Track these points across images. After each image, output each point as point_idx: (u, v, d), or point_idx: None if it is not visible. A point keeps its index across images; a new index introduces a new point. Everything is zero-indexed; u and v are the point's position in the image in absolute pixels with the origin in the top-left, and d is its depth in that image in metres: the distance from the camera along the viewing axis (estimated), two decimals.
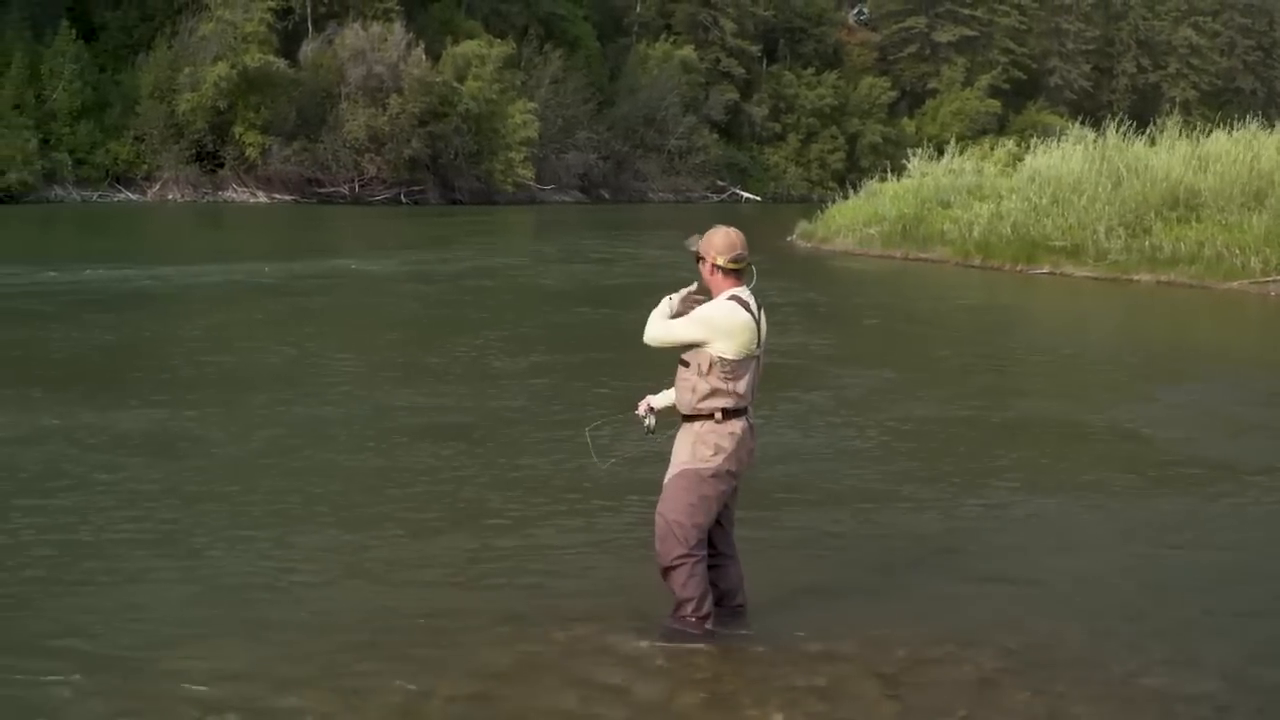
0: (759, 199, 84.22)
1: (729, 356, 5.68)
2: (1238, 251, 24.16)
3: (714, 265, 5.78)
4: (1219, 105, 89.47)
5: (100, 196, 56.22)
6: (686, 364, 5.79)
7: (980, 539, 7.89)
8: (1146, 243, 25.81)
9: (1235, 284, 23.58)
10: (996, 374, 14.83)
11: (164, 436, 10.01)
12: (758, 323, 5.76)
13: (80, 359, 14.20)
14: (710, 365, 5.70)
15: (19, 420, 10.38)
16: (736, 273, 5.80)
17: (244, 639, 5.86)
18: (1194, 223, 26.09)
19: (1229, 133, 30.29)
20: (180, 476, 8.78)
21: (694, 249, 5.88)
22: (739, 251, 5.79)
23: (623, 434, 6.41)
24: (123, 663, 5.55)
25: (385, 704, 5.19)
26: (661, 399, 6.15)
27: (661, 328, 5.82)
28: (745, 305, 5.74)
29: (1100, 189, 27.90)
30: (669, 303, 5.88)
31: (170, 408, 11.09)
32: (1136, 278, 25.14)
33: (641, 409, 6.13)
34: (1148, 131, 31.53)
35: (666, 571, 5.80)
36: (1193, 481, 9.47)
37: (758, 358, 5.81)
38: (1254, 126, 30.45)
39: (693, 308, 5.82)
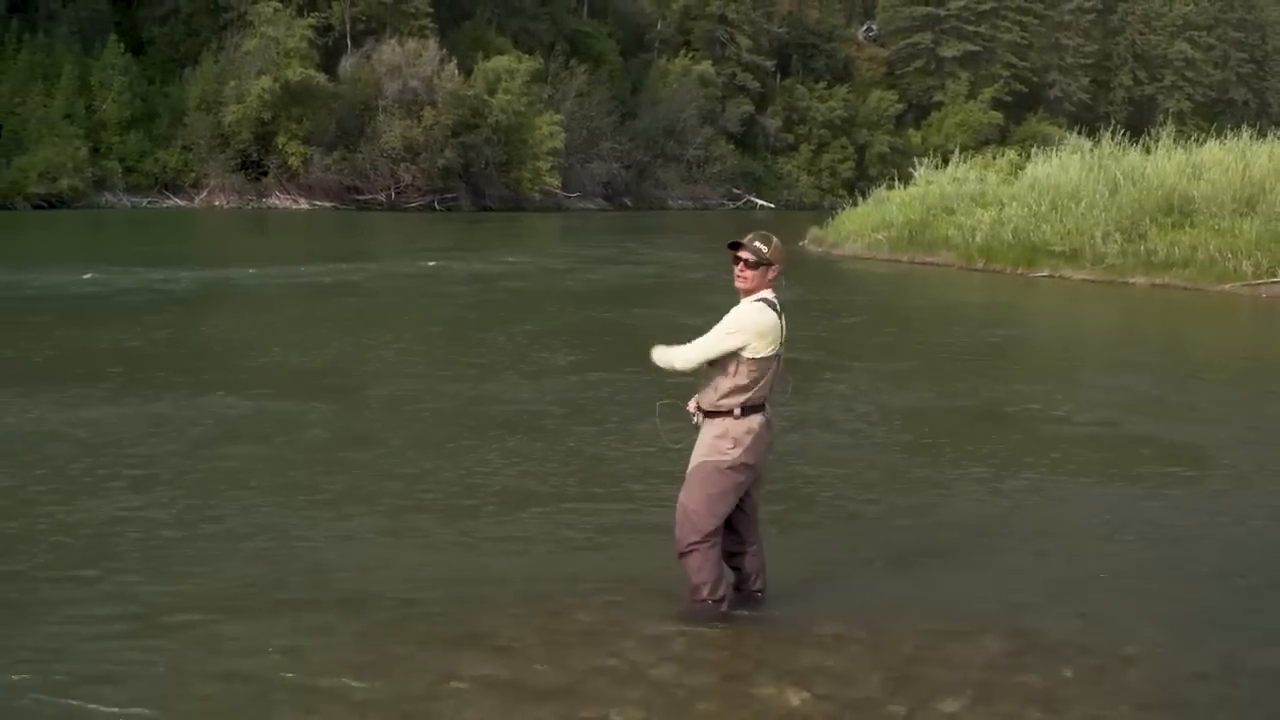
0: (772, 206, 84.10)
1: (759, 355, 5.66)
2: (1230, 255, 24.01)
3: (779, 271, 5.78)
4: (1212, 116, 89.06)
5: (150, 203, 56.44)
6: (713, 363, 5.76)
7: (988, 525, 7.82)
8: (1142, 247, 25.68)
9: (1228, 286, 23.43)
10: (998, 368, 14.75)
11: (257, 423, 10.16)
12: (781, 323, 5.77)
13: (156, 355, 14.21)
14: (739, 365, 5.68)
15: (132, 410, 10.53)
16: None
17: (284, 613, 5.89)
18: (1188, 228, 25.93)
19: (1221, 142, 30.12)
20: (269, 460, 8.93)
21: (763, 253, 5.70)
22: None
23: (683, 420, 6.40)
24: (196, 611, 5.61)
25: (415, 679, 5.17)
26: None
27: (700, 349, 5.70)
28: (772, 305, 5.73)
29: (1097, 196, 27.77)
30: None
31: (260, 399, 11.20)
32: (1132, 280, 25.00)
33: (691, 406, 6.09)
34: (1143, 141, 31.36)
35: (682, 556, 5.81)
36: (1195, 472, 9.40)
37: (779, 356, 5.79)
38: (1246, 136, 30.22)
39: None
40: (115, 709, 4.86)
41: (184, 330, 16.42)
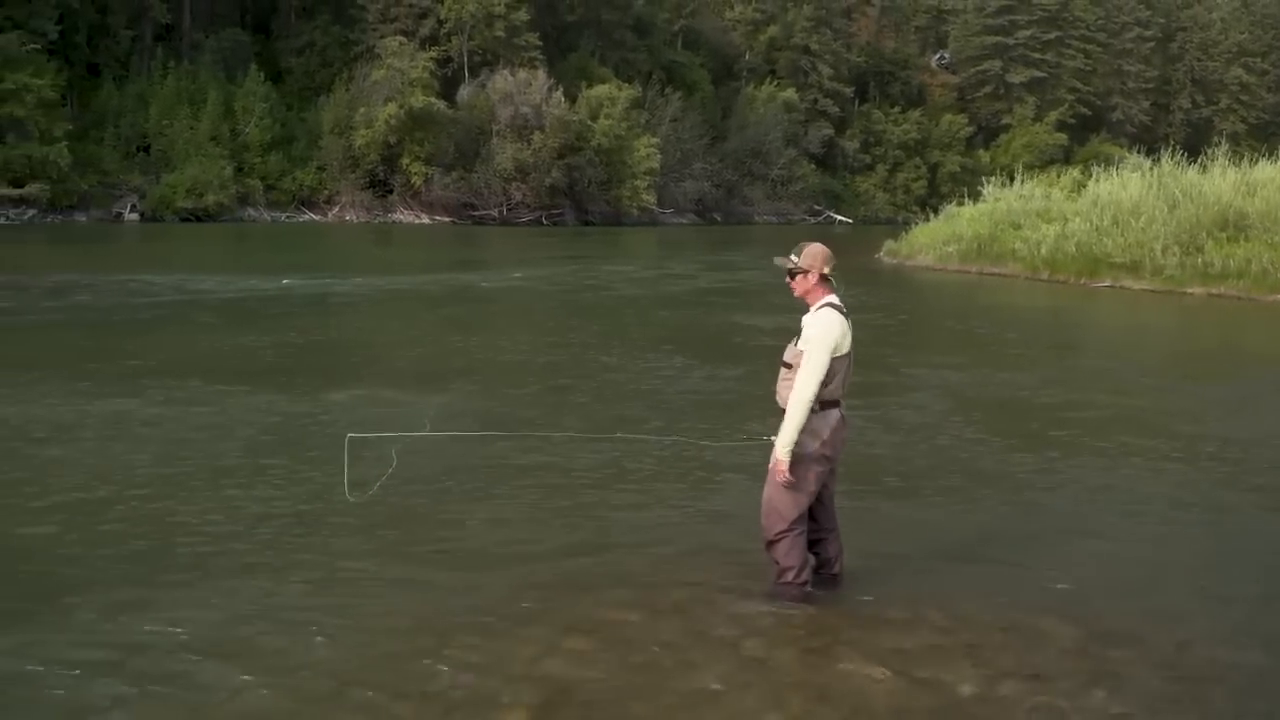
0: (850, 221, 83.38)
1: (835, 355, 5.64)
2: None
3: (821, 275, 5.74)
4: (1266, 137, 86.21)
5: (288, 217, 57.49)
6: (789, 365, 5.73)
7: (1056, 515, 7.69)
8: (1199, 260, 25.09)
9: None
10: (1064, 367, 14.50)
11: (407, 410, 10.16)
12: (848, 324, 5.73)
13: (308, 351, 14.51)
14: None
15: (276, 399, 10.77)
16: (830, 281, 5.77)
17: (405, 588, 5.99)
18: (1242, 242, 25.31)
19: (1274, 162, 29.32)
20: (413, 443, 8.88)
21: (790, 266, 5.79)
22: (834, 261, 5.78)
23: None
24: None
25: (523, 648, 5.23)
26: None
27: (809, 383, 5.57)
28: (838, 309, 5.70)
29: (1157, 212, 27.14)
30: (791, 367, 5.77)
31: (413, 391, 11.30)
32: (1189, 291, 24.44)
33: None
34: (1200, 161, 30.63)
35: (770, 544, 5.80)
36: (1249, 468, 9.18)
37: (849, 354, 5.76)
38: None
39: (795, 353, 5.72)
40: (245, 669, 5.00)
41: (339, 329, 16.79)
